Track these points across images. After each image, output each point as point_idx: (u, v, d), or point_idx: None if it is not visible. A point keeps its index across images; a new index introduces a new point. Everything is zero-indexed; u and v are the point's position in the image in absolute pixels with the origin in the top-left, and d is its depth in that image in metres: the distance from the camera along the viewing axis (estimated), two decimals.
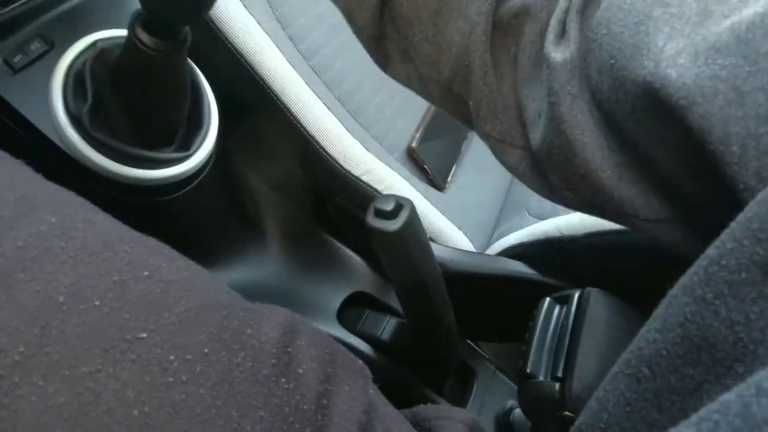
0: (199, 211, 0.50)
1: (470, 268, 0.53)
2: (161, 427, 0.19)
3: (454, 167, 0.64)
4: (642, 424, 0.21)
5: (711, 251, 0.20)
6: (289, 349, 0.25)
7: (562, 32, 0.28)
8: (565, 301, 0.45)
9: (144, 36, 0.35)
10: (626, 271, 0.45)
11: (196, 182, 0.48)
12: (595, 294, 0.44)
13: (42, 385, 0.17)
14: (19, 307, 0.18)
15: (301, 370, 0.25)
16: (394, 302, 0.55)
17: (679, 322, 0.20)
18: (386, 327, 0.52)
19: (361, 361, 0.30)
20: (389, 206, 0.35)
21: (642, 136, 0.25)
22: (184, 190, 0.47)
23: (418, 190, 0.57)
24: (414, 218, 0.36)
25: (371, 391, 0.28)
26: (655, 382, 0.21)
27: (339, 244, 0.56)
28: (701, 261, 0.20)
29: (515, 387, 0.61)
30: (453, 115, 0.35)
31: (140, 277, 0.22)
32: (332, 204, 0.54)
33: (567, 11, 0.28)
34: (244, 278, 0.52)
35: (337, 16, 0.55)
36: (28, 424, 0.17)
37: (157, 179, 0.44)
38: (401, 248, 0.36)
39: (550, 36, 0.28)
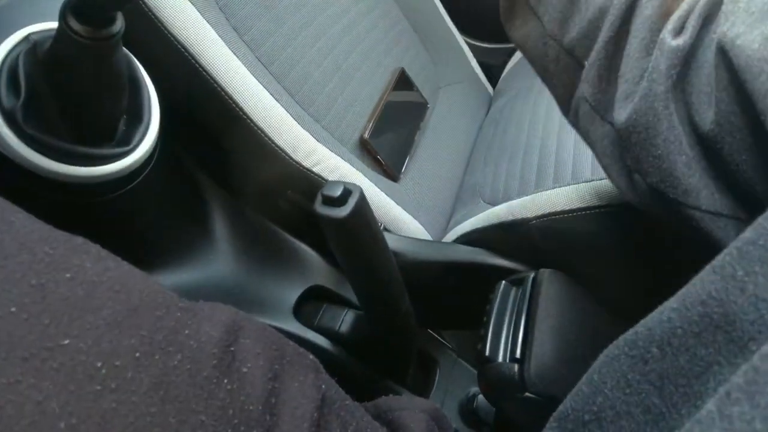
0: (142, 210, 0.48)
1: (426, 257, 0.53)
2: None
3: (408, 157, 0.64)
4: (639, 408, 0.21)
5: (747, 233, 0.20)
6: (232, 348, 0.24)
7: (681, 27, 0.29)
8: (520, 283, 0.46)
9: (75, 23, 0.34)
10: (577, 251, 0.46)
11: (138, 179, 0.46)
12: (548, 275, 0.45)
13: None
14: None
15: (245, 369, 0.24)
16: (352, 295, 0.55)
17: (702, 300, 0.20)
18: (344, 320, 0.51)
19: (312, 356, 0.29)
20: (337, 192, 0.35)
21: (726, 130, 0.26)
22: (125, 188, 0.45)
23: (372, 181, 0.57)
24: (363, 204, 0.36)
25: (323, 386, 0.28)
26: (663, 362, 0.21)
27: (292, 239, 0.55)
28: (736, 242, 0.20)
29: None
30: (550, 80, 0.37)
31: (61, 279, 0.20)
32: (283, 197, 0.53)
33: (689, 12, 0.30)
34: (193, 279, 0.51)
35: (282, 4, 0.54)
36: None
37: (96, 177, 0.41)
38: (351, 235, 0.36)
39: (669, 27, 0.29)
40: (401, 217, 0.58)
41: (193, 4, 0.46)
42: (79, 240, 0.23)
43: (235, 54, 0.49)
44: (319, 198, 0.36)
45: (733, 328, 0.19)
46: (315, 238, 0.56)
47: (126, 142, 0.44)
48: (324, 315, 0.52)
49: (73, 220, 0.44)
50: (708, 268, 0.21)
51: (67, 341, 0.19)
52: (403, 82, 0.67)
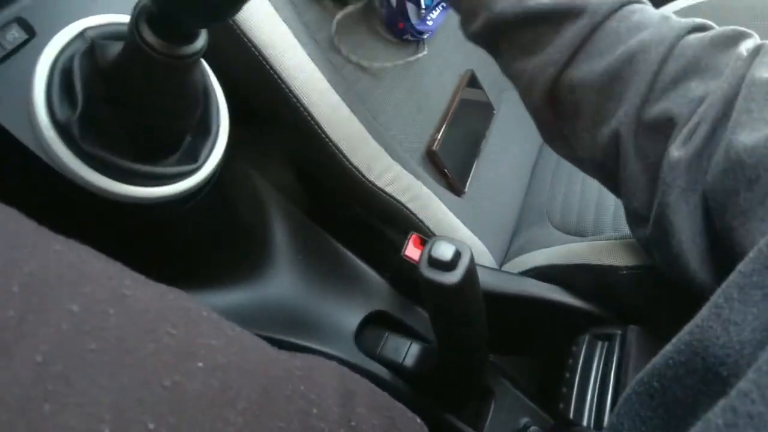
0: (201, 225, 0.44)
1: (497, 288, 0.49)
2: None
3: (472, 168, 0.59)
4: None
5: (740, 266, 0.21)
6: (353, 423, 0.24)
7: (689, 137, 0.32)
8: (606, 338, 0.42)
9: (150, 36, 0.28)
10: (667, 306, 0.43)
11: (202, 194, 0.41)
12: (638, 334, 0.41)
13: None
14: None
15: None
16: (414, 322, 0.51)
17: (689, 329, 0.22)
18: (408, 353, 0.48)
19: (419, 420, 0.30)
20: (449, 255, 0.30)
21: (726, 218, 0.28)
22: (189, 204, 0.41)
23: (442, 201, 0.52)
24: (473, 267, 0.32)
25: None
26: (664, 395, 0.21)
27: (355, 258, 0.51)
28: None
29: (531, 404, 0.59)
30: (603, 184, 0.40)
31: (193, 371, 0.18)
32: (347, 212, 0.49)
33: (699, 123, 0.32)
34: (251, 297, 0.47)
35: None
36: None
37: (162, 197, 0.37)
38: (457, 300, 0.32)
39: (678, 141, 0.32)
40: (468, 240, 0.54)
41: (275, 9, 0.40)
42: (190, 303, 0.21)
43: (309, 56, 0.43)
44: (424, 258, 0.31)
45: (707, 354, 0.20)
46: (376, 257, 0.51)
47: (192, 157, 0.39)
48: (387, 344, 0.49)
49: (125, 235, 0.39)
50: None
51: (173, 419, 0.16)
52: (472, 86, 0.61)
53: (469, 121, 0.60)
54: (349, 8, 0.48)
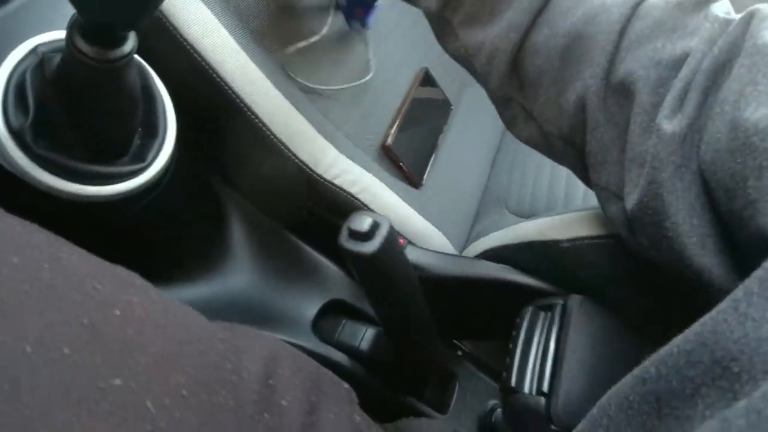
0: (159, 223, 0.47)
1: (451, 272, 0.51)
2: None
3: (430, 162, 0.62)
4: (639, 430, 0.21)
5: (758, 272, 0.21)
6: (271, 381, 0.25)
7: (679, 107, 0.30)
8: (548, 309, 0.44)
9: (82, 45, 0.32)
10: (610, 276, 0.44)
11: (154, 194, 0.44)
12: (579, 303, 0.43)
13: None
14: None
15: (284, 402, 0.25)
16: (371, 310, 0.53)
17: (702, 321, 0.21)
18: (364, 337, 0.50)
19: (347, 385, 0.30)
20: (364, 227, 0.33)
21: (734, 206, 0.27)
22: (141, 203, 0.44)
23: (394, 191, 0.55)
24: (391, 238, 0.34)
25: (358, 418, 0.29)
26: (658, 383, 0.21)
27: (311, 250, 0.54)
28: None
29: (496, 386, 0.60)
30: (573, 167, 0.39)
31: (111, 317, 0.21)
32: (304, 208, 0.52)
33: (686, 90, 0.30)
34: (212, 291, 0.50)
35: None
36: None
37: (112, 195, 0.40)
38: (377, 268, 0.34)
39: (665, 110, 0.30)
40: (424, 229, 0.56)
41: (209, 9, 0.44)
42: (122, 272, 0.23)
43: (254, 62, 0.46)
44: (344, 231, 0.34)
45: (719, 347, 0.19)
46: (334, 250, 0.54)
47: (141, 157, 0.42)
48: (344, 331, 0.51)
49: (89, 236, 0.42)
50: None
51: (118, 381, 0.19)
52: (426, 83, 0.64)
53: (424, 116, 0.63)
54: (302, 43, 0.51)
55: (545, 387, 0.40)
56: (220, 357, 0.23)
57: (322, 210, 0.51)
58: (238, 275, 0.51)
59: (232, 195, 0.53)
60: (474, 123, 0.69)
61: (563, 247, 0.44)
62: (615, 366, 0.42)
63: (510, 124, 0.41)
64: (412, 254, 0.51)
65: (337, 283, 0.53)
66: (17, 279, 0.19)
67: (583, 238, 0.43)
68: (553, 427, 0.39)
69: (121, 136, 0.40)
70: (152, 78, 0.43)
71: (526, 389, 0.40)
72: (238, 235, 0.52)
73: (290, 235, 0.54)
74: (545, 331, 0.43)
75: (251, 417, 0.23)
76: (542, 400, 0.39)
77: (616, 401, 0.23)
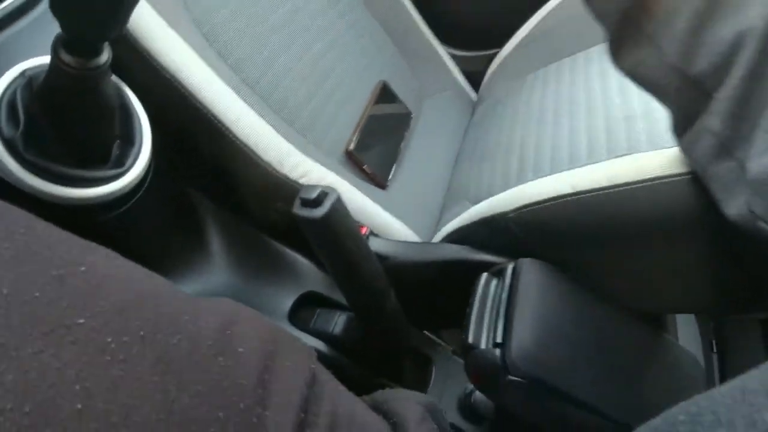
0: (140, 228, 0.52)
1: (413, 258, 0.56)
2: (103, 399, 0.21)
3: (394, 165, 0.68)
4: None
5: None
6: (228, 332, 0.27)
7: None
8: (501, 273, 0.48)
9: (65, 56, 0.38)
10: (555, 239, 0.49)
11: (134, 199, 0.49)
12: (527, 264, 0.47)
13: None
14: None
15: (240, 350, 0.27)
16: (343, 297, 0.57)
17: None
18: (337, 322, 0.54)
19: (305, 343, 0.32)
20: (313, 195, 0.38)
21: None
22: (123, 208, 0.49)
23: (359, 189, 0.60)
24: (339, 205, 0.39)
25: (313, 366, 0.30)
26: None
27: (285, 249, 0.58)
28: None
29: None
30: (668, 104, 0.36)
31: (77, 271, 0.24)
32: (274, 209, 0.57)
33: None
34: (192, 291, 0.54)
35: (262, 27, 0.58)
36: None
37: (94, 197, 0.45)
38: (329, 234, 0.39)
39: None
40: (390, 222, 0.61)
41: (175, 31, 0.50)
42: (93, 244, 0.27)
43: (219, 77, 0.52)
44: (297, 201, 0.39)
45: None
46: (306, 247, 0.58)
47: (120, 164, 0.47)
48: (318, 319, 0.55)
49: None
50: None
51: (82, 320, 0.22)
52: (385, 94, 0.71)
53: (385, 124, 0.69)
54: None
55: (499, 338, 0.43)
56: (178, 310, 0.26)
57: (290, 208, 0.56)
58: (217, 275, 0.55)
59: (207, 204, 0.58)
60: (435, 128, 0.75)
61: (510, 217, 0.49)
62: (565, 314, 0.46)
63: (617, 45, 0.37)
64: (375, 244, 0.55)
65: (311, 277, 0.57)
66: None
67: (525, 206, 0.48)
68: (510, 377, 0.43)
69: (100, 142, 0.46)
70: (128, 96, 0.49)
71: (483, 344, 0.44)
72: (215, 239, 0.57)
73: (264, 236, 0.58)
74: (498, 290, 0.47)
75: (205, 358, 0.25)
76: (497, 351, 0.43)
77: None
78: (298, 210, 0.38)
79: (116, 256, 0.27)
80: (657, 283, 0.49)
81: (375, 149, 0.66)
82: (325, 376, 0.32)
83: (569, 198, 0.45)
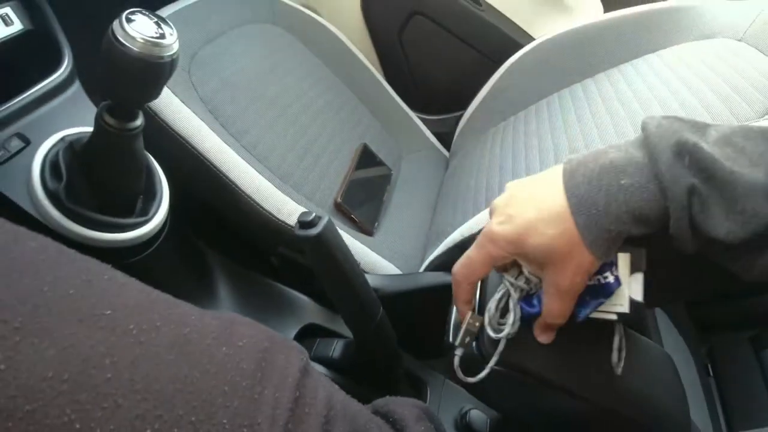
0: (157, 273, 0.61)
1: (399, 288, 0.65)
2: (128, 371, 0.27)
3: (379, 215, 0.78)
4: None
5: None
6: (229, 330, 0.33)
7: None
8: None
9: (109, 119, 0.49)
10: None
11: (155, 245, 0.59)
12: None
13: (36, 342, 0.26)
14: (13, 293, 0.27)
15: (240, 343, 0.33)
16: (344, 329, 0.65)
17: None
18: (336, 348, 0.62)
19: (295, 342, 0.38)
20: (309, 218, 0.48)
21: None
22: (145, 253, 0.59)
23: (349, 235, 0.70)
24: (330, 226, 0.49)
25: (304, 358, 0.36)
26: None
27: (285, 288, 0.67)
28: None
29: (467, 393, 0.70)
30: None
31: (102, 279, 0.31)
32: (274, 254, 0.66)
33: None
34: None
35: (259, 103, 0.71)
36: (27, 368, 0.25)
37: (123, 241, 0.55)
38: (323, 249, 0.49)
39: None
40: (378, 261, 0.71)
41: (187, 106, 0.63)
42: (110, 266, 0.34)
43: (224, 142, 0.64)
44: (297, 225, 0.49)
45: None
46: (306, 285, 0.67)
47: (144, 213, 0.58)
48: (318, 347, 0.63)
49: None
50: None
51: (108, 312, 0.29)
52: (366, 154, 0.83)
53: (368, 179, 0.81)
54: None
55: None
56: (186, 311, 0.32)
57: (290, 252, 0.66)
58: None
59: (215, 254, 0.68)
60: (414, 182, 0.87)
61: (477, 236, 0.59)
62: None
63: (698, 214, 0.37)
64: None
65: (310, 310, 0.66)
66: (35, 250, 0.30)
67: None
68: (488, 366, 0.50)
69: (129, 195, 0.56)
70: (151, 159, 0.61)
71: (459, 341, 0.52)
72: (221, 284, 0.66)
73: (266, 278, 0.68)
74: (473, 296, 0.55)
75: (212, 346, 0.31)
76: (474, 344, 0.51)
77: None
78: (298, 231, 0.48)
79: (127, 276, 0.33)
80: None
81: (360, 201, 0.77)
82: (318, 374, 0.37)
83: None
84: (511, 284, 0.47)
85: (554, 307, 0.44)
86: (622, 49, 0.81)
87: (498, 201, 0.44)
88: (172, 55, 0.46)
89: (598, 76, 0.81)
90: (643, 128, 0.40)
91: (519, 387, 0.51)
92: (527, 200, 0.41)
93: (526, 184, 0.43)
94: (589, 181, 0.38)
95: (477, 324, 0.49)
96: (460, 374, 0.55)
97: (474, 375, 0.52)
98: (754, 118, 0.61)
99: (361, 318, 0.55)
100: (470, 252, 0.44)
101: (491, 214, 0.44)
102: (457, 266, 0.46)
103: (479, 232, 0.59)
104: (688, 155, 0.36)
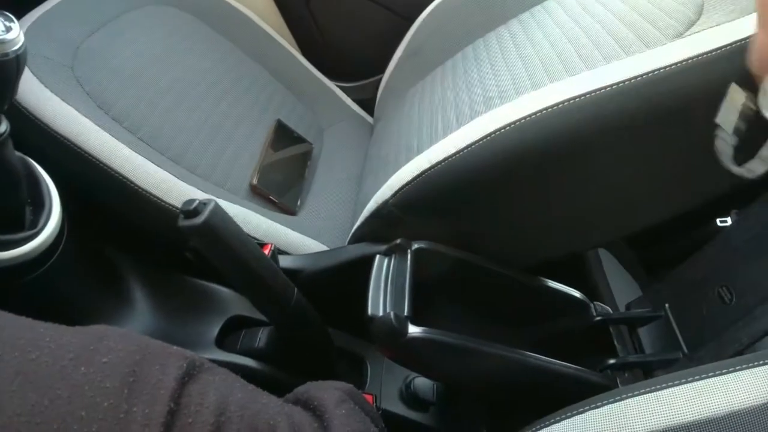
0: (61, 287, 0.60)
1: (321, 265, 0.64)
2: None
3: (301, 193, 0.78)
4: None
5: None
6: (92, 347, 0.33)
7: None
8: (390, 252, 0.57)
9: None
10: (431, 214, 0.59)
11: (52, 259, 0.58)
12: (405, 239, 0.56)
13: None
14: None
15: (105, 360, 0.32)
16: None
17: None
18: (261, 337, 0.62)
19: (178, 348, 0.37)
20: (192, 206, 0.47)
21: None
22: (41, 269, 0.57)
23: (267, 217, 0.69)
24: (217, 210, 0.48)
25: (185, 365, 0.35)
26: None
27: (205, 282, 0.67)
28: None
29: None
30: None
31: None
32: (187, 249, 0.65)
33: None
34: None
35: (153, 90, 0.70)
36: None
37: (12, 258, 0.53)
38: (212, 237, 0.48)
39: None
40: (303, 242, 0.70)
41: (69, 104, 0.61)
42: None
43: (115, 137, 0.63)
44: (180, 216, 0.48)
45: None
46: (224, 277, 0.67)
47: (33, 226, 0.56)
48: (244, 339, 0.63)
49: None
50: None
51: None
52: (282, 131, 0.82)
53: (286, 156, 0.80)
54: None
55: (393, 305, 0.52)
56: (39, 335, 0.32)
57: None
58: (140, 321, 0.63)
59: (124, 256, 0.67)
60: (337, 153, 0.87)
61: (390, 203, 0.59)
62: (447, 276, 0.55)
63: None
64: (284, 261, 0.64)
65: (233, 303, 0.66)
66: None
67: (400, 189, 0.58)
68: (407, 334, 0.50)
69: (10, 207, 0.54)
70: (34, 166, 0.59)
71: (380, 313, 0.52)
72: (135, 287, 0.65)
73: (184, 276, 0.67)
74: (388, 267, 0.55)
75: (66, 368, 0.30)
76: (392, 314, 0.51)
77: None
78: (182, 222, 0.47)
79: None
80: (525, 230, 0.59)
81: (279, 180, 0.76)
82: (211, 375, 0.36)
83: (429, 171, 0.55)
84: None
85: None
86: None
87: None
88: (17, 51, 0.44)
89: (510, 22, 0.80)
90: None
91: (438, 351, 0.52)
92: None
93: None
94: None
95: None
96: (383, 353, 0.55)
97: (397, 348, 0.53)
98: (663, 42, 0.61)
99: (272, 304, 0.54)
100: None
101: None
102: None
103: (392, 195, 0.60)
104: None
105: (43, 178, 0.59)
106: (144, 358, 0.33)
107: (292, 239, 0.69)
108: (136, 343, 0.34)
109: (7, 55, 0.44)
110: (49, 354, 0.31)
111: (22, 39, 0.45)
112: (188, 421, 0.32)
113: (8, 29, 0.45)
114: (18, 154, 0.57)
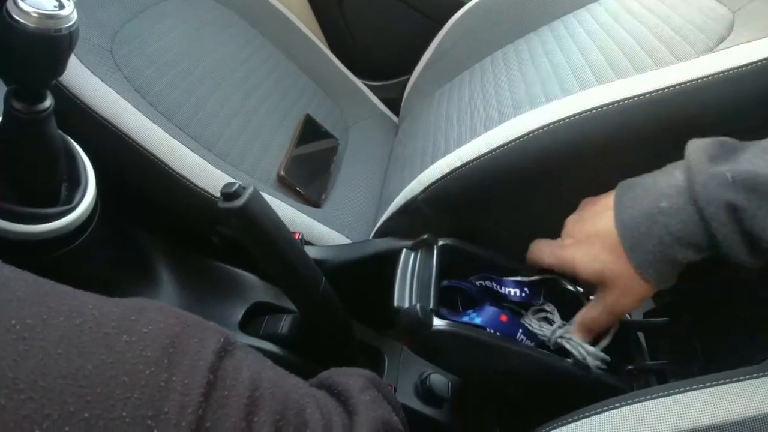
0: (90, 264, 0.60)
1: (346, 258, 0.65)
2: (11, 369, 0.27)
3: (326, 186, 0.78)
4: None
5: None
6: (133, 317, 0.33)
7: None
8: (417, 247, 0.58)
9: (15, 103, 0.48)
10: (459, 210, 0.59)
11: (84, 235, 0.58)
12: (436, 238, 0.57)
13: None
14: None
15: (145, 330, 0.32)
16: (293, 305, 0.66)
17: None
18: (284, 324, 0.62)
19: (214, 324, 0.37)
20: (232, 189, 0.48)
21: None
22: (74, 244, 0.58)
23: (295, 209, 0.70)
24: (256, 194, 0.49)
25: (223, 339, 0.35)
26: None
27: (230, 267, 0.67)
28: None
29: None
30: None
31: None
32: (214, 233, 0.66)
33: None
34: None
35: (189, 78, 0.70)
36: None
37: (48, 232, 0.54)
38: (250, 221, 0.49)
39: None
40: (327, 233, 0.71)
41: (109, 86, 0.62)
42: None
43: (151, 120, 0.64)
44: (220, 197, 0.49)
45: None
46: (249, 262, 0.67)
47: (68, 202, 0.57)
48: (267, 324, 0.63)
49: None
50: None
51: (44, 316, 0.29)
52: (310, 125, 0.83)
53: (313, 150, 0.81)
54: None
55: (414, 299, 0.52)
56: (83, 302, 0.32)
57: (229, 230, 0.65)
58: (164, 302, 0.63)
59: (154, 239, 0.68)
60: (363, 150, 0.87)
61: (419, 198, 0.60)
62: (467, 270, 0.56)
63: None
64: (310, 252, 0.64)
65: (258, 289, 0.66)
66: None
67: (430, 185, 0.59)
68: (433, 326, 0.51)
69: (48, 183, 0.55)
70: (72, 143, 0.60)
71: (407, 304, 0.53)
72: (162, 269, 0.66)
73: (209, 260, 0.68)
74: (415, 260, 0.56)
75: (110, 335, 0.30)
76: (418, 306, 0.52)
77: None
78: (221, 204, 0.48)
79: (27, 272, 0.33)
80: (549, 229, 0.59)
81: (306, 173, 0.77)
82: (244, 353, 0.37)
83: (460, 169, 0.56)
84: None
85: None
86: (563, 0, 0.81)
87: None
88: (70, 27, 0.45)
89: (541, 29, 0.81)
90: (685, 150, 0.43)
91: (464, 347, 0.52)
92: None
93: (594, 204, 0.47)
94: (633, 205, 0.42)
95: None
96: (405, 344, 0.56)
97: (421, 340, 0.53)
98: (693, 55, 0.62)
99: (302, 290, 0.55)
100: None
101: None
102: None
103: (422, 191, 0.60)
104: (728, 173, 0.38)
105: (80, 155, 0.60)
106: (183, 330, 0.34)
107: (316, 230, 0.70)
108: (175, 316, 0.35)
109: (60, 30, 0.45)
110: (93, 321, 0.31)
111: (75, 16, 0.46)
112: (224, 394, 0.33)
113: (61, 6, 0.46)
114: (58, 130, 0.59)
